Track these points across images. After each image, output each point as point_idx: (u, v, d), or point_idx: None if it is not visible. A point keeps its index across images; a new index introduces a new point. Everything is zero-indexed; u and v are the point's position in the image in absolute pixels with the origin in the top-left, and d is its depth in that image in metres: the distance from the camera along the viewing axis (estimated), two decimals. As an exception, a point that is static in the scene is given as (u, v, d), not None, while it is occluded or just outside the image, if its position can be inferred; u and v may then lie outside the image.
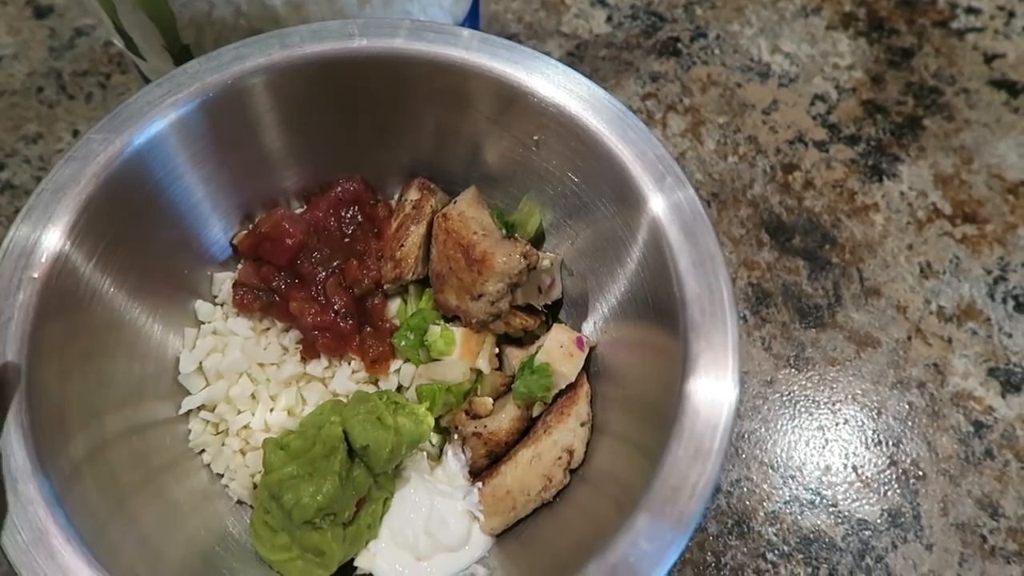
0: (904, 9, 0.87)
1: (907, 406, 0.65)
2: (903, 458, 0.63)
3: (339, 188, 0.59)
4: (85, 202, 0.45)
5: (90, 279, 0.47)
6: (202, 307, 0.57)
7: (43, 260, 0.44)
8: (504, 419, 0.54)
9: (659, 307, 0.47)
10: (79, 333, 0.47)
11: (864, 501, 0.62)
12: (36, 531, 0.38)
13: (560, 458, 0.52)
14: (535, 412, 0.55)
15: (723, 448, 0.40)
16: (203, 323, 0.57)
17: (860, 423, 0.65)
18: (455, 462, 0.55)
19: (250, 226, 0.58)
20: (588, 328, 0.57)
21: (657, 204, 0.46)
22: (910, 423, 0.65)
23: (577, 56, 0.82)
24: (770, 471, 0.62)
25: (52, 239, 0.44)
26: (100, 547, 0.40)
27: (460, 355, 0.55)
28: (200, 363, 0.55)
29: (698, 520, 0.38)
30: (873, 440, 0.64)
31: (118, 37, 0.62)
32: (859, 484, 0.62)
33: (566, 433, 0.53)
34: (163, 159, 0.50)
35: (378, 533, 0.52)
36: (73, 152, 0.47)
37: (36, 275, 0.43)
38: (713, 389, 0.41)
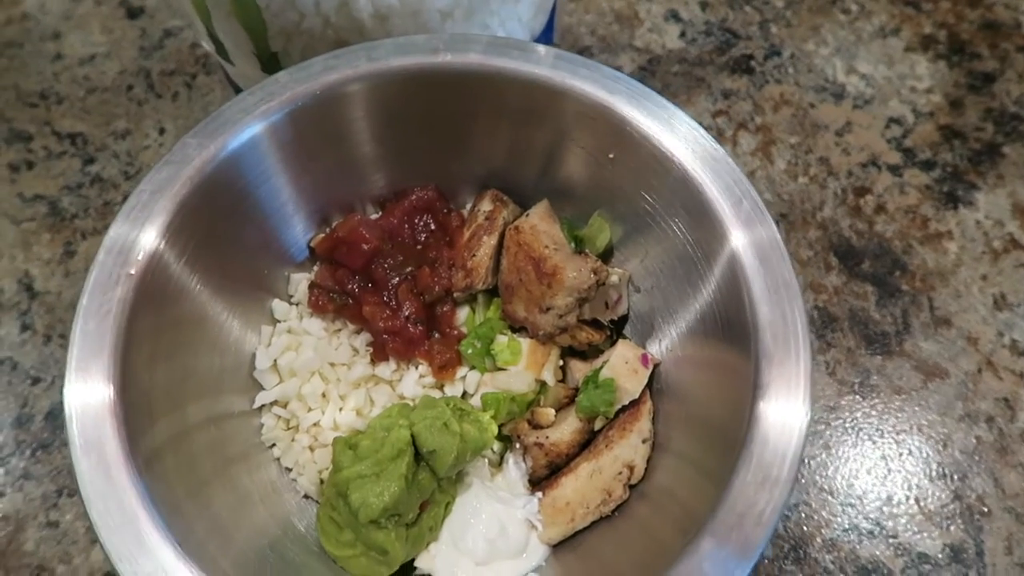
0: (987, 32, 0.85)
1: (974, 440, 0.64)
2: (968, 493, 0.62)
3: (413, 196, 0.60)
4: (180, 204, 0.48)
5: (180, 277, 0.49)
6: (278, 306, 0.59)
7: (139, 258, 0.46)
8: (566, 431, 0.55)
9: (730, 330, 0.47)
10: (167, 327, 0.49)
11: (926, 534, 0.61)
12: (128, 515, 0.40)
13: (620, 473, 0.53)
14: (596, 426, 0.56)
15: (792, 477, 0.40)
16: (279, 321, 0.59)
17: (925, 455, 0.64)
18: (516, 470, 0.55)
19: (327, 230, 0.60)
20: (652, 345, 0.57)
21: (733, 228, 0.47)
22: (977, 458, 0.64)
23: (649, 71, 0.82)
24: (829, 498, 0.62)
25: (148, 238, 0.47)
26: (175, 524, 0.42)
27: (526, 366, 0.56)
28: (275, 360, 0.57)
29: (763, 548, 0.39)
30: (937, 473, 0.63)
31: (209, 42, 0.65)
32: (921, 517, 0.61)
33: (627, 449, 0.53)
34: (253, 164, 0.52)
35: (439, 536, 0.53)
36: (170, 156, 0.49)
37: (133, 272, 0.46)
38: (783, 417, 0.41)
